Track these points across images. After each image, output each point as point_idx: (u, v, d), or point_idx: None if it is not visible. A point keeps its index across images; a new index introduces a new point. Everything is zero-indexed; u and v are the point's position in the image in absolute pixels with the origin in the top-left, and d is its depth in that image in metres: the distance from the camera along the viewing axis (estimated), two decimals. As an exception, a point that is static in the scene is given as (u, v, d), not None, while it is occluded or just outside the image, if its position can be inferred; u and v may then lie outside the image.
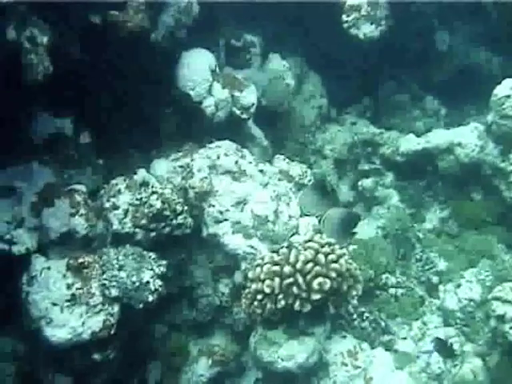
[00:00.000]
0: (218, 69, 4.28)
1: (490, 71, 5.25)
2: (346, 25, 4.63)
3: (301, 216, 3.91)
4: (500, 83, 4.25)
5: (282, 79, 4.78)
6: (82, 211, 3.57)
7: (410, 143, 4.71)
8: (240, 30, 4.72)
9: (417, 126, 5.19)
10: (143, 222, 3.60)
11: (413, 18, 4.90)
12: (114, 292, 3.46)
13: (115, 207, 3.65)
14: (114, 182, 3.74)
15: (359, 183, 4.87)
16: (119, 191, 3.69)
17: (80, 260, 3.47)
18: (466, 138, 4.42)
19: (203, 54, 4.21)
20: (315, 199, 3.77)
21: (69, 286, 3.41)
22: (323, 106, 5.19)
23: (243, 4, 4.36)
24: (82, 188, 3.68)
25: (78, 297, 3.40)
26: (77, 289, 3.41)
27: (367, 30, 4.61)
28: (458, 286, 4.03)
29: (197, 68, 4.11)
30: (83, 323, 3.38)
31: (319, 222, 3.62)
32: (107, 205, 3.66)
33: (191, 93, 4.09)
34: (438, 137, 4.59)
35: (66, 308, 3.37)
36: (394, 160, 4.81)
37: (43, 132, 3.71)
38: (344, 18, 4.62)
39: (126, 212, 3.63)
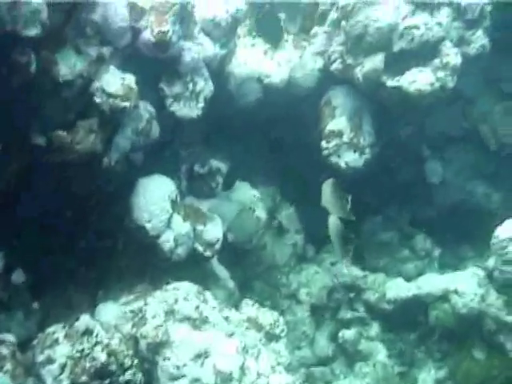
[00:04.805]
0: (178, 198, 4.39)
1: (489, 208, 5.36)
2: (325, 152, 4.80)
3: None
4: (501, 223, 4.38)
5: (252, 211, 4.94)
6: (8, 367, 3.46)
7: (398, 289, 4.84)
8: (205, 154, 4.86)
9: (406, 268, 5.30)
10: (83, 378, 3.52)
11: (401, 145, 5.12)
12: None
13: (50, 361, 3.56)
14: (50, 329, 3.69)
15: (340, 334, 4.92)
16: (56, 341, 3.62)
17: (-2, 431, 3.38)
18: (464, 285, 4.53)
19: (162, 181, 4.32)
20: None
21: None
22: (298, 243, 5.33)
23: (210, 126, 4.55)
24: (10, 338, 3.61)
25: None
26: None
27: (350, 159, 4.78)
28: None
29: (154, 197, 4.19)
30: None
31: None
32: (40, 358, 3.58)
33: (147, 225, 4.17)
34: (431, 282, 4.72)
35: None
36: (381, 308, 4.90)
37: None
38: (323, 144, 4.80)
39: (63, 367, 3.54)
